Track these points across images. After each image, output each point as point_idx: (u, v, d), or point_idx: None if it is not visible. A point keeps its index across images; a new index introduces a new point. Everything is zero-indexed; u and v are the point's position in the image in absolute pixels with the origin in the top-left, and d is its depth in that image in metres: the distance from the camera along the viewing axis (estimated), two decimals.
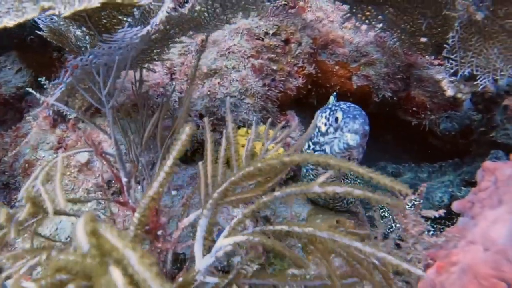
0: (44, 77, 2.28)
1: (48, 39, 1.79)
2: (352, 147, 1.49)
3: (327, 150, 1.58)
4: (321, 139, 1.63)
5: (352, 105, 1.62)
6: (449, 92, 2.52)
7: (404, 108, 2.84)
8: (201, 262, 0.90)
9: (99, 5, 1.16)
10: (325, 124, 1.61)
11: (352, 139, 1.47)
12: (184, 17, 1.48)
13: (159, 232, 1.25)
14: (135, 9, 1.44)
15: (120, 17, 1.51)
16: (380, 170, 2.99)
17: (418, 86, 2.72)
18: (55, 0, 1.24)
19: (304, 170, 1.84)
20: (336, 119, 1.54)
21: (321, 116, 1.65)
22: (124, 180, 1.55)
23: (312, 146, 1.70)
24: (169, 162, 0.85)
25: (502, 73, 1.89)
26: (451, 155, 2.88)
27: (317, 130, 1.68)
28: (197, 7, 1.47)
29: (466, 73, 1.92)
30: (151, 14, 1.55)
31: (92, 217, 0.58)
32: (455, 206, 1.88)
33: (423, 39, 2.24)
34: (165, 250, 1.35)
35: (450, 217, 2.33)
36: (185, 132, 0.82)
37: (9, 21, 1.25)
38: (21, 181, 2.09)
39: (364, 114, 1.55)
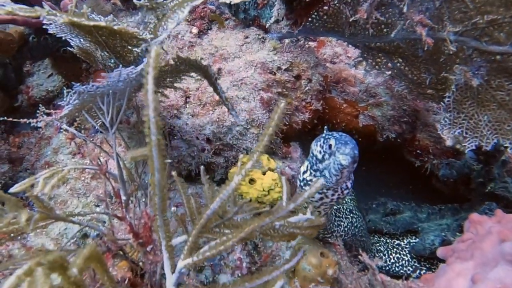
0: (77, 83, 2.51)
1: (78, 55, 1.98)
2: (345, 166, 1.61)
3: (327, 174, 1.70)
4: (320, 166, 1.75)
5: (343, 134, 1.75)
6: (449, 143, 2.60)
7: (409, 150, 2.93)
8: (169, 279, 1.06)
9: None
10: (320, 152, 1.74)
11: (344, 159, 1.60)
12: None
13: (149, 248, 1.41)
14: (141, 42, 1.59)
15: (130, 47, 1.68)
16: (381, 206, 3.08)
17: (423, 130, 2.81)
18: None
19: (298, 191, 1.95)
20: (330, 146, 1.67)
21: (316, 145, 1.78)
22: (123, 198, 1.71)
23: (313, 173, 1.81)
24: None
25: (487, 140, 2.00)
26: (451, 200, 2.95)
27: (314, 158, 1.79)
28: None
29: (456, 133, 2.03)
30: None
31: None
32: (439, 252, 1.97)
33: (429, 90, 2.35)
34: (155, 263, 1.50)
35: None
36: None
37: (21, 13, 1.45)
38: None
39: (354, 141, 1.68)
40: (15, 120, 2.04)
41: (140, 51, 1.60)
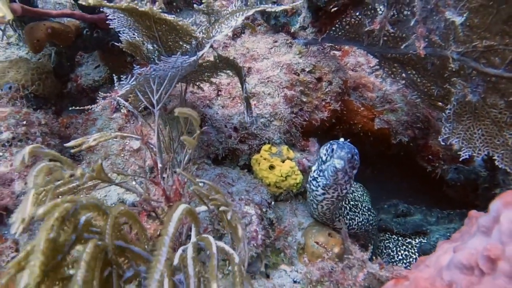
0: (119, 75, 2.83)
1: (124, 49, 2.26)
2: (339, 169, 1.90)
3: (326, 174, 1.98)
4: (323, 167, 2.04)
5: (348, 143, 2.02)
6: (456, 147, 2.78)
7: (422, 155, 3.12)
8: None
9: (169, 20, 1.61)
10: (325, 155, 2.03)
11: (338, 163, 1.89)
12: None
13: None
14: (192, 40, 1.87)
15: (181, 43, 1.96)
16: (392, 207, 3.27)
17: (435, 137, 2.99)
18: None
19: (308, 186, 2.19)
20: (332, 150, 1.95)
21: (323, 149, 2.06)
22: (159, 165, 1.98)
23: (318, 173, 2.09)
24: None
25: (479, 152, 2.22)
26: (460, 206, 3.11)
27: (320, 160, 2.08)
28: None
29: (453, 142, 2.25)
30: (202, 46, 1.99)
31: None
32: (438, 244, 2.16)
33: (438, 102, 2.57)
34: (182, 224, 1.77)
35: None
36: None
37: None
38: (84, 155, 2.58)
39: (352, 147, 1.95)
40: (82, 108, 2.37)
41: (189, 47, 1.88)
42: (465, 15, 2.00)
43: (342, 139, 2.26)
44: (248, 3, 1.83)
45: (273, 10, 1.66)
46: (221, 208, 1.36)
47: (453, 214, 3.14)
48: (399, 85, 2.70)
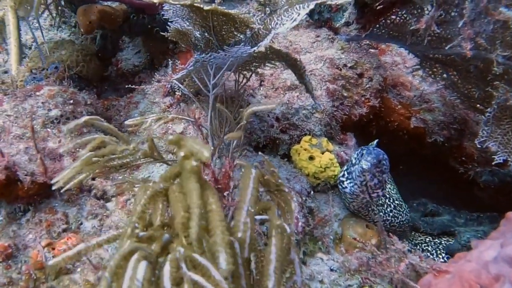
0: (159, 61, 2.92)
1: (170, 38, 2.30)
2: (365, 170, 2.05)
3: (354, 176, 2.15)
4: (352, 168, 2.19)
5: (378, 149, 2.15)
6: (493, 149, 2.79)
7: (455, 156, 3.13)
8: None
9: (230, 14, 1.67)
10: (355, 158, 2.18)
11: (365, 164, 2.05)
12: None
13: (226, 193, 1.72)
14: (247, 30, 1.92)
15: (235, 33, 2.01)
16: (421, 205, 3.29)
17: (471, 139, 3.00)
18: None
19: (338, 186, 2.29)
20: (362, 155, 2.12)
21: (355, 153, 2.24)
22: (211, 147, 2.05)
23: (346, 175, 2.23)
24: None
25: None
26: (490, 209, 3.11)
27: (350, 163, 2.24)
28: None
29: (490, 145, 2.27)
30: (259, 37, 2.04)
31: None
32: (473, 243, 2.19)
33: (478, 105, 2.58)
34: (228, 207, 1.83)
35: None
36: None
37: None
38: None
39: (381, 152, 2.10)
40: (132, 86, 2.44)
41: (243, 37, 1.93)
42: None
43: (375, 141, 2.35)
44: None
45: (333, 3, 1.69)
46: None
47: (483, 217, 3.14)
48: (438, 86, 2.72)
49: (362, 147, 2.24)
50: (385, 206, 2.38)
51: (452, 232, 3.12)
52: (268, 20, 1.86)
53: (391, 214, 2.40)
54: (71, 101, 2.68)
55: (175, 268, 0.87)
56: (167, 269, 0.87)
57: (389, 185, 2.53)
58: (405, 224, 2.52)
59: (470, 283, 1.48)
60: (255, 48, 1.75)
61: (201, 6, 1.72)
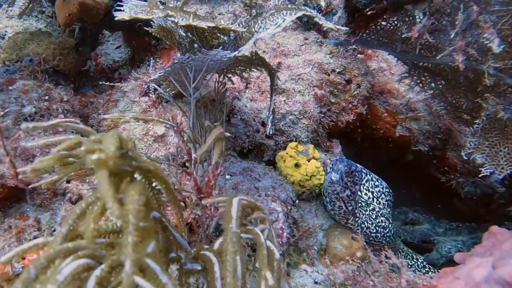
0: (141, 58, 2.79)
1: (153, 34, 2.20)
2: (334, 181, 2.06)
3: (325, 185, 2.18)
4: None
5: (349, 160, 2.17)
6: (479, 161, 2.79)
7: (437, 166, 3.13)
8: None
9: (205, 27, 1.58)
10: (329, 168, 2.18)
11: (334, 176, 2.07)
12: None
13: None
14: (231, 32, 1.83)
15: (219, 34, 1.92)
16: (402, 214, 3.28)
17: (454, 149, 3.00)
18: (176, 14, 1.67)
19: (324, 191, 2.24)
20: (334, 164, 2.15)
21: (330, 164, 2.23)
22: (193, 155, 1.95)
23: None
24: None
25: (501, 170, 2.22)
26: (470, 220, 3.13)
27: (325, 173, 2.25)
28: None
29: (477, 158, 2.26)
30: (242, 40, 1.95)
31: None
32: (457, 257, 2.16)
33: (464, 115, 2.56)
34: (211, 217, 1.75)
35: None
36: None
37: (143, 16, 1.70)
38: None
39: (353, 164, 2.14)
40: (110, 84, 2.32)
41: (227, 39, 1.84)
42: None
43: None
44: (296, 2, 1.78)
45: (321, 23, 1.62)
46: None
47: (462, 227, 3.15)
48: (426, 95, 2.70)
49: (340, 158, 2.25)
50: (376, 218, 2.32)
51: (431, 241, 3.12)
52: (253, 23, 1.78)
53: (380, 224, 2.34)
54: (46, 97, 2.54)
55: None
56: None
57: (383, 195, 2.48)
58: (390, 236, 2.48)
59: None
60: (235, 53, 1.66)
61: (176, 20, 1.62)
